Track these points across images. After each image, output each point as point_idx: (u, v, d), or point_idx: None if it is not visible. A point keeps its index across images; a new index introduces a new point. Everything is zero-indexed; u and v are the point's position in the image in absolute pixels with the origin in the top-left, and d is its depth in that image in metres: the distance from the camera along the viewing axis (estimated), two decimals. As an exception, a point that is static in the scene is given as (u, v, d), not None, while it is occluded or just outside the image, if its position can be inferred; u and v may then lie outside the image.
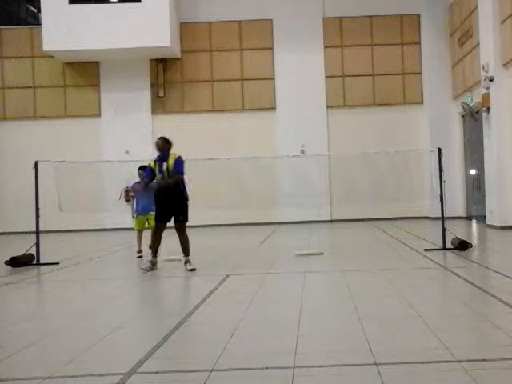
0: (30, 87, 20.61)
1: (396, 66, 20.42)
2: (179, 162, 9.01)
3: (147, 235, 11.70)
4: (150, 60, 20.50)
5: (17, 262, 9.98)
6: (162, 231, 9.15)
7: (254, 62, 20.48)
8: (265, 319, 5.59)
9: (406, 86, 20.44)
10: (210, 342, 4.74)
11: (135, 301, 7.02)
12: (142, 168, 11.29)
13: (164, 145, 9.20)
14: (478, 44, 16.03)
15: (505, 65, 14.59)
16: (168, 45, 18.98)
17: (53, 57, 19.96)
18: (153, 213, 11.00)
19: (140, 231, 11.42)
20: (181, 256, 10.89)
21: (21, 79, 20.60)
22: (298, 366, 3.98)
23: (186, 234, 9.17)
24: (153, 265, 9.17)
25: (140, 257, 11.18)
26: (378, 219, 19.12)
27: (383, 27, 20.37)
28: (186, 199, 9.11)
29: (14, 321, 5.93)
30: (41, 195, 10.64)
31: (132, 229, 17.33)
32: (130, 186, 11.80)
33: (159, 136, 9.46)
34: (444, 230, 10.44)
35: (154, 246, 9.20)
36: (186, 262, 9.18)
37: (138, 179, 11.66)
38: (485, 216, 15.92)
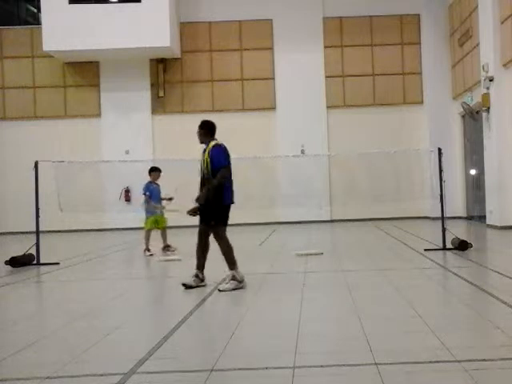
0: (30, 87, 20.61)
1: (396, 66, 20.42)
2: (215, 152, 7.16)
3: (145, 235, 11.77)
4: (150, 60, 20.49)
5: (17, 262, 9.98)
6: (202, 235, 7.32)
7: (254, 62, 20.47)
8: (265, 319, 5.59)
9: (406, 86, 20.43)
10: (210, 342, 4.74)
11: (135, 301, 7.02)
12: (154, 169, 11.75)
13: (199, 133, 7.52)
14: (478, 44, 16.03)
15: (505, 65, 14.59)
16: (168, 45, 18.97)
17: (53, 57, 19.95)
18: (158, 214, 11.59)
19: (149, 230, 11.71)
20: (180, 256, 10.93)
21: (21, 79, 20.59)
22: (298, 366, 3.98)
23: (220, 242, 7.24)
24: (201, 280, 7.31)
25: (151, 255, 11.32)
26: (378, 219, 19.11)
27: (383, 27, 20.36)
28: (219, 202, 7.14)
29: (14, 321, 5.93)
30: (41, 195, 10.63)
31: (132, 228, 17.44)
32: (144, 187, 11.77)
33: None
34: (444, 230, 10.44)
35: (199, 259, 7.36)
36: (228, 278, 7.23)
37: (142, 179, 11.97)
38: (485, 216, 15.91)
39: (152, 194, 11.63)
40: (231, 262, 7.18)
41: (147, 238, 11.59)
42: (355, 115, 20.17)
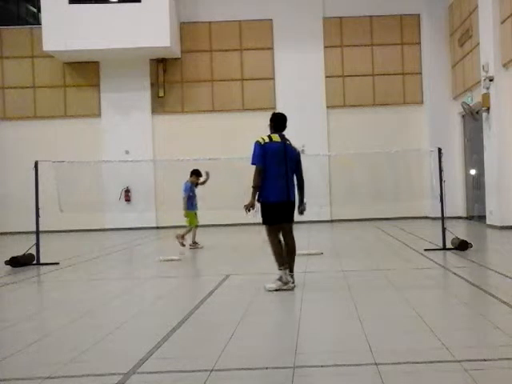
0: (30, 87, 20.60)
1: (396, 66, 20.41)
2: (253, 148, 7.09)
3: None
4: (150, 60, 20.48)
5: (17, 262, 9.98)
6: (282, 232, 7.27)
7: (254, 61, 20.47)
8: (265, 319, 5.59)
9: (406, 86, 20.42)
10: (209, 342, 4.74)
11: (135, 301, 7.02)
12: (195, 173, 12.67)
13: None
14: (478, 44, 16.03)
15: (505, 65, 14.59)
16: (168, 45, 18.97)
17: (53, 57, 19.95)
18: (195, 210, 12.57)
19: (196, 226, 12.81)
20: (180, 256, 10.94)
21: (21, 79, 20.58)
22: (298, 365, 3.98)
23: (268, 240, 7.22)
24: (284, 283, 6.98)
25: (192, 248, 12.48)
26: (378, 219, 19.11)
27: (383, 27, 20.36)
28: (260, 200, 7.09)
29: (14, 321, 5.93)
30: (41, 195, 10.64)
31: (132, 228, 17.50)
32: (185, 187, 12.68)
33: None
34: (444, 230, 10.44)
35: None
36: (275, 278, 7.09)
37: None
38: (485, 216, 15.91)
39: (193, 193, 12.63)
40: (277, 262, 7.01)
41: (193, 234, 12.61)
42: (355, 115, 20.16)
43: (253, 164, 6.99)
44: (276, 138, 7.20)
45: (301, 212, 7.32)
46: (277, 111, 7.48)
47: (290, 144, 7.32)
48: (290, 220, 7.20)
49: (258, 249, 12.49)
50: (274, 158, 6.99)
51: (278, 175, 6.97)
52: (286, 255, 7.12)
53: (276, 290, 6.87)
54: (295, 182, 7.25)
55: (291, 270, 7.15)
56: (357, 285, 7.17)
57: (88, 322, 5.76)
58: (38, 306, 7.18)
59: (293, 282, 7.07)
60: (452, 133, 19.42)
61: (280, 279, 6.96)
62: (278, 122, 7.38)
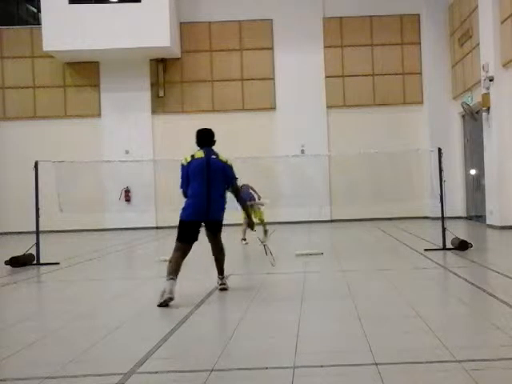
0: (30, 87, 20.60)
1: (396, 66, 20.41)
2: None
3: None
4: (150, 60, 20.49)
5: (17, 262, 9.98)
6: None
7: (254, 62, 20.47)
8: (265, 319, 5.59)
9: (406, 86, 20.42)
10: (210, 342, 4.74)
11: (135, 301, 7.02)
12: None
13: None
14: (478, 44, 16.03)
15: (505, 65, 14.59)
16: (168, 45, 18.98)
17: (53, 57, 19.95)
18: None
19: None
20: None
21: (21, 79, 20.58)
22: (298, 365, 3.98)
23: (173, 251, 7.04)
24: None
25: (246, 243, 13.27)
26: (378, 219, 19.10)
27: (383, 27, 20.36)
28: None
29: (14, 321, 5.93)
30: (41, 195, 10.63)
31: (132, 228, 17.50)
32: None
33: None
34: (444, 230, 10.44)
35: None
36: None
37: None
38: (485, 216, 15.91)
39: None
40: (167, 271, 6.59)
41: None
42: (355, 115, 20.16)
43: (181, 188, 6.91)
44: (200, 154, 6.97)
45: (250, 227, 7.56)
46: (203, 128, 7.39)
47: (217, 158, 6.95)
48: (213, 234, 7.29)
49: (258, 249, 12.49)
50: (194, 176, 6.78)
51: (197, 193, 6.75)
52: (215, 264, 7.23)
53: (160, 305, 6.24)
54: (224, 198, 7.12)
55: (221, 273, 7.19)
56: (357, 285, 7.17)
57: (88, 321, 5.76)
58: (38, 305, 7.19)
59: (223, 284, 7.08)
60: (452, 133, 19.42)
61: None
62: (199, 138, 7.20)
